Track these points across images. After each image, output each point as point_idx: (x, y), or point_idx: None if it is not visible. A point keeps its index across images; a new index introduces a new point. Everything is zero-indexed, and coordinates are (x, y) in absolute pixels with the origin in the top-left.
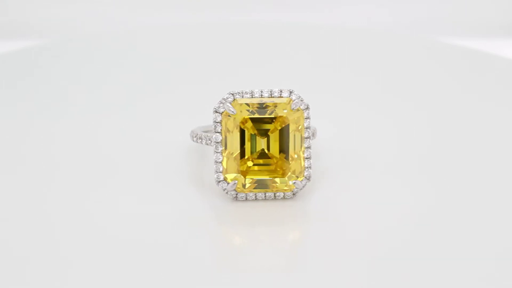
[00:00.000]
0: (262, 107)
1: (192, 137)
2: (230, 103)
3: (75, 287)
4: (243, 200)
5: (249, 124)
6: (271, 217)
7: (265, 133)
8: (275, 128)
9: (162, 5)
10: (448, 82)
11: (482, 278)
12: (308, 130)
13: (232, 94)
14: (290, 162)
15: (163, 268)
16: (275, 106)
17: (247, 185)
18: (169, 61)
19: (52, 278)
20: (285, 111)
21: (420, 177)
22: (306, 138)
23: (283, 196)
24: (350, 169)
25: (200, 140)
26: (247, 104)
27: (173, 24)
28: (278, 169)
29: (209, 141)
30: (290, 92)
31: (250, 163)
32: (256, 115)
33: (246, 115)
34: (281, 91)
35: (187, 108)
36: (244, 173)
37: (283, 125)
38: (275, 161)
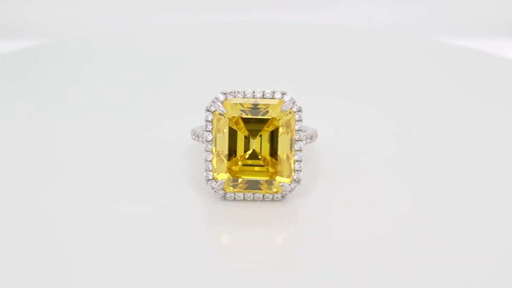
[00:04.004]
0: (255, 107)
1: (192, 135)
2: (222, 102)
3: (75, 286)
4: (232, 200)
5: (241, 124)
6: (266, 218)
7: (257, 134)
8: (267, 130)
9: (162, 5)
10: (448, 82)
11: (482, 278)
12: (300, 132)
13: (224, 94)
14: (279, 164)
15: (156, 268)
16: (267, 107)
17: (236, 185)
18: (169, 61)
19: (52, 277)
20: (276, 112)
21: (420, 177)
22: (297, 140)
23: (272, 198)
24: (350, 170)
25: (197, 138)
26: (240, 104)
27: (173, 24)
28: (268, 171)
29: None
30: (283, 94)
31: (240, 163)
32: (249, 116)
33: (238, 115)
34: (273, 93)
35: (187, 108)
36: (234, 173)
37: (274, 127)
38: (265, 162)
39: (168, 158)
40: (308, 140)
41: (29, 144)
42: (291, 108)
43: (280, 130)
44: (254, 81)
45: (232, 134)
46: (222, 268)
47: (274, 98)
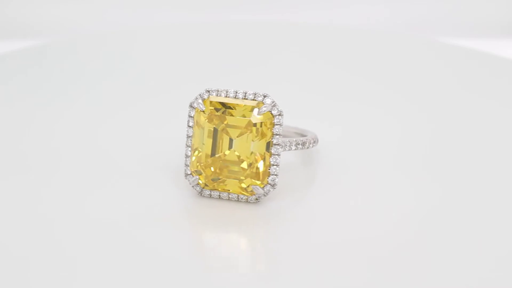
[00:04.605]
0: (235, 108)
1: None
2: (203, 100)
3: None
4: (208, 197)
5: (222, 123)
6: (262, 218)
7: (236, 134)
8: (245, 131)
9: (162, 5)
10: (448, 82)
11: (483, 279)
12: (278, 137)
13: (208, 91)
14: (254, 167)
15: (140, 266)
16: (247, 109)
17: (213, 183)
18: (169, 61)
19: (50, 275)
20: (254, 114)
21: (421, 178)
22: (275, 145)
23: (246, 199)
24: (350, 170)
25: None
26: (221, 103)
27: (173, 24)
28: (245, 172)
29: None
30: (264, 96)
31: (219, 162)
32: (229, 115)
33: (218, 113)
34: (255, 94)
35: (186, 107)
36: (212, 172)
37: (252, 129)
38: (242, 163)
39: (168, 157)
40: (300, 146)
41: (29, 144)
42: (270, 111)
43: (256, 132)
44: (254, 81)
45: (213, 133)
46: (196, 266)
47: (255, 100)
